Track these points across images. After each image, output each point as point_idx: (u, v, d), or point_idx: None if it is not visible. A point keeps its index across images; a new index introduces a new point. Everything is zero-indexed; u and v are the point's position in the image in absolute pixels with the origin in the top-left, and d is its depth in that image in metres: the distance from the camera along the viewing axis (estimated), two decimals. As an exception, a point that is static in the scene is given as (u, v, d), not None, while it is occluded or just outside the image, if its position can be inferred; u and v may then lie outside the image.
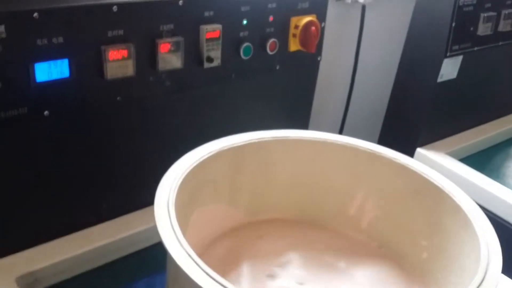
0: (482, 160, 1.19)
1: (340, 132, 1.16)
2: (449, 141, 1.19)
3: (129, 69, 0.67)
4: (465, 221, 0.58)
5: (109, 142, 0.71)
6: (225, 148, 0.65)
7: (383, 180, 0.68)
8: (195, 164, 0.60)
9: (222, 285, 0.44)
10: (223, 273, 0.61)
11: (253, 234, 0.71)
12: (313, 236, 0.71)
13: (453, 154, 1.15)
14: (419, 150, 1.14)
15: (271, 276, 0.64)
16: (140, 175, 0.75)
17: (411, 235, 0.67)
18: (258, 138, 0.67)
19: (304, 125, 0.95)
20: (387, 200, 0.69)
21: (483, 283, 0.49)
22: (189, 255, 0.47)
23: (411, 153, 1.15)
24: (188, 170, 0.59)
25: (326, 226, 0.73)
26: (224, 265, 0.65)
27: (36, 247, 0.69)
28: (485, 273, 0.50)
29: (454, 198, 0.61)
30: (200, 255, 0.47)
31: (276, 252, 0.68)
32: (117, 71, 0.66)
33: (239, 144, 0.66)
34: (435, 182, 0.63)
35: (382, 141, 1.22)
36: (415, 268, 0.66)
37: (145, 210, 0.78)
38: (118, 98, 0.68)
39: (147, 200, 0.75)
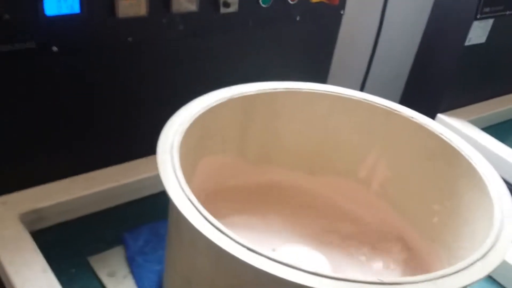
0: (506, 131, 1.15)
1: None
2: (472, 108, 1.15)
3: (141, 8, 0.65)
4: (480, 185, 0.56)
5: (118, 84, 0.69)
6: (236, 96, 0.62)
7: (398, 139, 0.66)
8: (203, 111, 0.58)
9: (221, 231, 0.43)
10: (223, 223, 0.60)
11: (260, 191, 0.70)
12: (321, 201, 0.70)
13: (475, 123, 1.11)
14: (440, 116, 1.11)
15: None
16: (148, 121, 0.73)
17: (422, 199, 0.64)
18: (270, 89, 0.65)
19: (323, 82, 0.92)
20: (400, 161, 0.66)
21: (494, 247, 0.46)
22: (189, 199, 0.45)
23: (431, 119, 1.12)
24: (195, 116, 0.57)
25: (336, 185, 0.71)
26: (224, 217, 0.64)
27: (42, 186, 0.69)
28: (497, 238, 0.48)
29: (471, 161, 0.58)
30: (203, 203, 0.46)
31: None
32: (129, 10, 0.64)
33: (250, 93, 0.64)
34: (453, 144, 0.60)
35: (402, 104, 1.18)
36: (425, 231, 0.64)
37: (152, 157, 0.76)
38: (129, 39, 0.66)
39: (153, 148, 0.74)
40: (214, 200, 0.65)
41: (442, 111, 1.11)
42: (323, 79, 0.92)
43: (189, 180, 0.59)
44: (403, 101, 1.18)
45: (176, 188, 0.46)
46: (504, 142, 1.06)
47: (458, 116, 1.11)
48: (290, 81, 0.67)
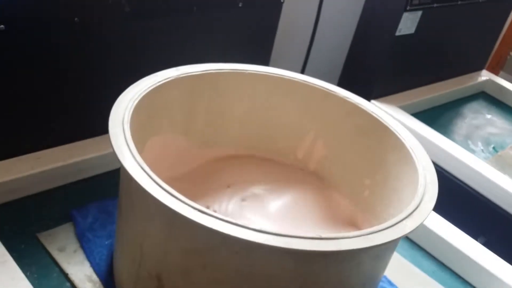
0: (433, 116, 1.24)
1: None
2: (403, 95, 1.23)
3: (88, -11, 0.66)
4: (407, 157, 0.61)
5: (64, 64, 0.70)
6: (182, 75, 0.65)
7: (334, 119, 0.71)
8: (151, 88, 0.61)
9: (172, 195, 0.46)
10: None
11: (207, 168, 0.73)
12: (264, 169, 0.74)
13: (405, 108, 1.19)
14: (373, 102, 1.17)
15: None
16: (95, 102, 0.74)
17: (356, 174, 0.70)
18: (215, 69, 0.68)
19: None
20: (336, 139, 0.72)
21: (419, 208, 0.52)
22: (142, 167, 0.48)
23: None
24: (144, 93, 0.59)
25: (277, 162, 0.76)
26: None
27: (-12, 165, 0.69)
28: (421, 200, 0.53)
29: (399, 136, 0.64)
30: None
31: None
32: (76, -9, 0.65)
33: (197, 73, 0.67)
34: (383, 121, 0.66)
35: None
36: (358, 204, 0.70)
37: (99, 138, 0.78)
38: (75, 19, 0.67)
39: (102, 128, 0.76)
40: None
41: (375, 97, 1.18)
42: (264, 64, 0.96)
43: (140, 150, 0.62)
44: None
45: (129, 157, 0.49)
46: (431, 127, 1.14)
47: (389, 102, 1.19)
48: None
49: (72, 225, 0.68)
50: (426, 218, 0.50)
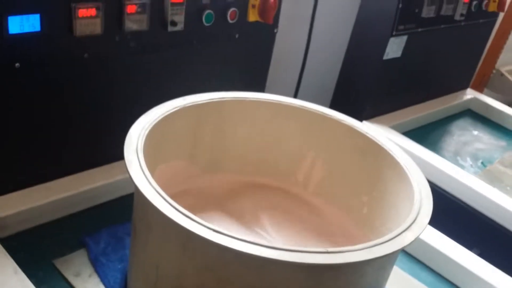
0: (423, 134, 1.29)
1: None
2: (393, 115, 1.28)
3: (96, 27, 0.70)
4: (401, 174, 0.66)
5: (75, 98, 0.74)
6: (189, 104, 0.69)
7: (332, 140, 0.75)
8: (161, 117, 0.65)
9: (188, 216, 0.49)
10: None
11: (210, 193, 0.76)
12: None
13: (396, 128, 1.23)
14: (365, 123, 1.22)
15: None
16: (102, 133, 0.78)
17: (354, 192, 0.74)
18: (219, 98, 0.72)
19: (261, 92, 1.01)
20: (334, 160, 0.76)
21: (416, 221, 0.56)
22: (158, 192, 0.51)
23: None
24: (155, 122, 0.63)
25: (280, 186, 0.79)
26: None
27: (2, 196, 0.72)
28: (418, 213, 0.57)
29: (393, 155, 0.68)
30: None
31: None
32: (86, 29, 0.69)
33: (202, 102, 0.71)
34: (377, 141, 0.70)
35: (331, 114, 1.29)
36: (358, 220, 0.73)
37: (108, 166, 0.81)
38: (85, 55, 0.71)
39: (110, 157, 0.79)
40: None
41: (366, 118, 1.23)
42: (261, 90, 1.00)
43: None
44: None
45: (145, 183, 0.52)
46: (421, 144, 1.19)
47: (380, 123, 1.23)
48: (234, 91, 0.75)
49: (86, 250, 0.71)
50: (424, 230, 0.54)
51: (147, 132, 0.61)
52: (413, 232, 0.54)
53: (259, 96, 0.75)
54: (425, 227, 0.55)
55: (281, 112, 0.75)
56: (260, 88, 1.00)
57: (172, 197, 0.70)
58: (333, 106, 1.28)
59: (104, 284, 0.66)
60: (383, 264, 0.54)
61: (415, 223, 0.55)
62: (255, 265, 0.48)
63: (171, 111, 0.67)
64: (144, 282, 0.59)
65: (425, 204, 0.59)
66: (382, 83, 1.20)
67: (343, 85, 1.24)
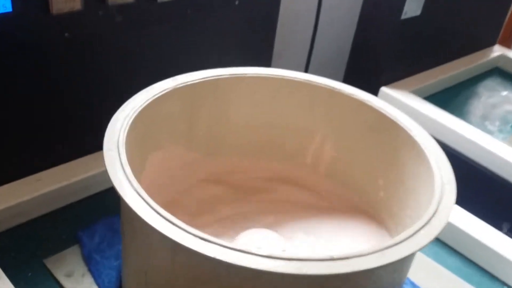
0: (447, 98, 1.20)
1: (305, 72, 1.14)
2: (413, 79, 1.19)
3: (76, 2, 0.63)
4: (420, 155, 0.58)
5: (58, 82, 0.68)
6: (180, 85, 0.62)
7: (341, 118, 0.68)
8: (147, 103, 0.58)
9: (174, 223, 0.43)
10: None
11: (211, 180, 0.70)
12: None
13: (417, 93, 1.15)
14: (383, 89, 1.14)
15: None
16: (91, 117, 0.72)
17: (368, 174, 0.67)
18: (214, 76, 0.65)
19: (267, 65, 0.93)
20: (345, 139, 0.68)
21: (436, 214, 0.49)
22: (140, 195, 0.45)
23: (375, 92, 1.15)
24: (140, 109, 0.57)
25: (285, 171, 0.73)
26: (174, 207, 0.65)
27: (-11, 192, 0.67)
28: (438, 204, 0.50)
29: (410, 133, 0.60)
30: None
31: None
32: (64, 5, 0.62)
33: (195, 82, 0.64)
34: (391, 117, 0.63)
35: (347, 81, 1.21)
36: (373, 206, 0.67)
37: (101, 153, 0.75)
38: (66, 34, 0.65)
39: (100, 143, 0.73)
40: (167, 194, 0.66)
41: (385, 84, 1.14)
42: (267, 62, 0.93)
43: (139, 176, 0.60)
44: (347, 77, 1.21)
45: (126, 185, 0.46)
46: (445, 109, 1.10)
47: (400, 88, 1.15)
48: (235, 66, 0.67)
49: (79, 247, 0.66)
50: (445, 225, 0.47)
51: (131, 120, 0.55)
52: (433, 228, 0.47)
53: (259, 71, 0.67)
54: (447, 222, 0.48)
55: (284, 88, 0.68)
56: (266, 60, 0.92)
57: (164, 187, 0.66)
58: (349, 73, 1.20)
59: (98, 284, 0.61)
60: (399, 266, 0.48)
61: (435, 217, 0.48)
62: (251, 276, 0.42)
63: (160, 94, 0.60)
64: (136, 284, 0.54)
65: (447, 192, 0.52)
66: (400, 45, 1.11)
67: (358, 50, 1.16)
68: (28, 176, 0.70)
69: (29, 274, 0.62)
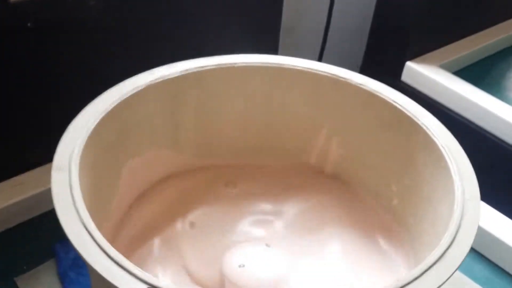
0: (479, 73, 1.08)
1: (321, 53, 1.04)
2: (442, 52, 1.08)
3: (36, -13, 0.55)
4: (440, 160, 0.48)
5: (24, 78, 0.60)
6: (158, 81, 0.54)
7: (349, 111, 0.58)
8: (115, 104, 0.50)
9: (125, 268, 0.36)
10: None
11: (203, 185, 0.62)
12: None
13: (446, 67, 1.04)
14: (408, 64, 1.04)
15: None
16: (69, 115, 0.64)
17: (381, 178, 0.58)
18: (198, 67, 0.56)
19: (274, 46, 0.84)
20: (353, 136, 0.59)
21: (455, 240, 0.40)
22: (92, 237, 0.38)
23: (400, 68, 1.05)
24: (104, 114, 0.48)
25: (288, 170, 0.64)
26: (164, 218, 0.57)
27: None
28: (458, 228, 0.41)
29: (428, 132, 0.51)
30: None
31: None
32: (22, -9, 0.54)
33: (176, 75, 0.55)
34: (407, 112, 0.53)
35: (369, 57, 1.11)
36: (387, 212, 0.58)
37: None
38: (28, 24, 0.57)
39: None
40: (150, 202, 0.58)
41: (411, 58, 1.04)
42: (274, 49, 0.82)
43: (113, 189, 0.52)
44: (369, 53, 1.10)
45: (73, 223, 0.38)
46: (478, 86, 0.99)
47: (428, 62, 1.04)
48: (236, 54, 0.58)
49: (55, 261, 0.60)
50: (463, 261, 0.38)
51: (92, 128, 0.47)
52: (447, 266, 0.38)
53: (251, 59, 0.58)
54: (465, 257, 0.38)
55: (282, 79, 0.58)
56: (272, 45, 0.82)
57: (149, 197, 0.58)
58: (370, 50, 1.09)
59: (73, 307, 0.55)
60: None
61: (451, 249, 0.39)
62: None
63: (132, 92, 0.52)
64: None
65: (470, 210, 0.42)
66: (427, 14, 1.00)
67: (380, 23, 1.05)
68: (3, 181, 0.64)
69: (-2, 295, 0.56)
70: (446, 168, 0.47)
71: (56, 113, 0.63)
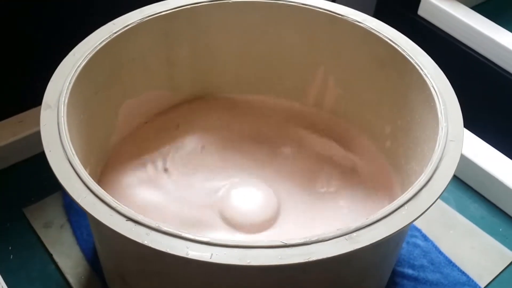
0: (500, 7, 1.03)
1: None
2: (462, -16, 1.03)
3: None
4: (429, 100, 0.48)
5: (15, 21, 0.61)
6: (149, 18, 0.54)
7: (345, 49, 0.57)
8: (105, 42, 0.50)
9: (108, 204, 0.37)
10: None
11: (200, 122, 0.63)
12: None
13: (464, 1, 0.99)
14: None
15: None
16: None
17: (376, 118, 0.58)
18: (190, 3, 0.56)
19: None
20: (351, 75, 0.58)
21: (429, 183, 0.40)
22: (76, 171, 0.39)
23: (417, 2, 1.00)
24: (95, 50, 0.49)
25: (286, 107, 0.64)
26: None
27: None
28: (435, 169, 0.41)
29: (421, 72, 0.50)
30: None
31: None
32: None
33: (167, 12, 0.55)
34: (402, 51, 0.52)
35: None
36: (380, 154, 0.58)
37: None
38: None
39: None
40: (148, 139, 0.60)
41: (427, -9, 0.99)
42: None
43: (110, 128, 0.54)
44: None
45: (60, 159, 0.40)
46: (498, 22, 0.95)
47: (445, -4, 1.00)
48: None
49: (62, 193, 0.62)
50: (437, 199, 0.39)
51: (81, 66, 0.47)
52: (419, 205, 0.38)
53: (244, -5, 0.57)
54: (438, 197, 0.39)
55: (278, 15, 0.58)
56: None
57: (146, 138, 0.59)
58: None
59: (76, 236, 0.58)
60: (375, 250, 0.40)
61: (426, 188, 0.39)
62: (186, 266, 0.36)
63: (123, 30, 0.52)
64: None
65: (450, 150, 0.42)
66: None
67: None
68: (7, 118, 0.66)
69: (8, 224, 0.59)
70: (434, 108, 0.47)
71: (56, 50, 0.64)
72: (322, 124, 0.63)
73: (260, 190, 0.56)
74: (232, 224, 0.53)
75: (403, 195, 0.38)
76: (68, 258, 0.56)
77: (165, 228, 0.35)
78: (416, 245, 0.59)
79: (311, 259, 0.34)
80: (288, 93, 0.63)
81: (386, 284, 0.54)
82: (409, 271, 0.57)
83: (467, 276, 0.57)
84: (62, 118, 0.42)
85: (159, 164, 0.57)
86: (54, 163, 0.39)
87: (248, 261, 0.34)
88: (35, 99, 0.65)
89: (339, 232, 0.36)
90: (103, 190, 0.38)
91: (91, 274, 0.55)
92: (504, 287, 0.57)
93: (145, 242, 0.34)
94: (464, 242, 0.61)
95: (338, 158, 0.60)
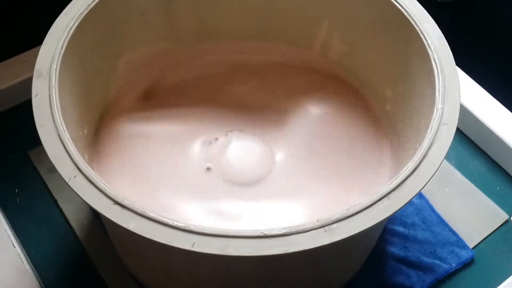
0: None
1: None
2: None
3: None
4: (429, 73, 0.46)
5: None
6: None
7: (351, 7, 0.55)
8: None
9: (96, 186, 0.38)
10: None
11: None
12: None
13: None
14: None
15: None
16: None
17: (378, 78, 0.56)
18: (190, -47, 0.53)
19: None
20: (355, 32, 0.56)
21: (416, 170, 0.40)
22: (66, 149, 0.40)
23: None
24: (87, 10, 0.48)
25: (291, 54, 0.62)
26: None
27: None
28: (424, 155, 0.41)
29: (425, 42, 0.48)
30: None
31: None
32: None
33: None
34: (408, 16, 0.49)
35: None
36: (380, 116, 0.57)
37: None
38: None
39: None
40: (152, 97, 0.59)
41: None
42: None
43: (107, 84, 0.53)
44: None
45: (50, 133, 0.41)
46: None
47: None
48: None
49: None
50: (424, 187, 0.39)
51: (75, 26, 0.46)
52: (405, 193, 0.39)
53: None
54: (425, 185, 0.39)
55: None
56: None
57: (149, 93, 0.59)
58: None
59: (80, 182, 0.60)
60: (355, 240, 0.40)
61: (413, 175, 0.40)
62: (168, 252, 0.38)
63: (118, -16, 0.50)
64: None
65: (442, 135, 0.42)
66: None
67: None
68: (10, 58, 0.66)
69: (12, 166, 0.61)
70: (433, 84, 0.46)
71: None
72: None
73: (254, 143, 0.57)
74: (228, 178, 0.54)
75: (388, 184, 0.39)
76: (71, 203, 0.59)
77: (150, 214, 0.36)
78: (410, 202, 0.60)
79: (289, 251, 0.36)
80: (292, 46, 0.61)
81: (375, 244, 0.55)
82: (400, 229, 0.59)
83: (457, 236, 0.59)
84: (54, 88, 0.42)
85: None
86: (45, 140, 0.40)
87: (229, 250, 0.35)
88: (38, 38, 0.65)
89: (318, 224, 0.37)
90: (92, 171, 0.39)
91: (93, 219, 0.58)
92: (493, 248, 0.58)
93: (131, 227, 0.36)
94: (458, 201, 0.62)
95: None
